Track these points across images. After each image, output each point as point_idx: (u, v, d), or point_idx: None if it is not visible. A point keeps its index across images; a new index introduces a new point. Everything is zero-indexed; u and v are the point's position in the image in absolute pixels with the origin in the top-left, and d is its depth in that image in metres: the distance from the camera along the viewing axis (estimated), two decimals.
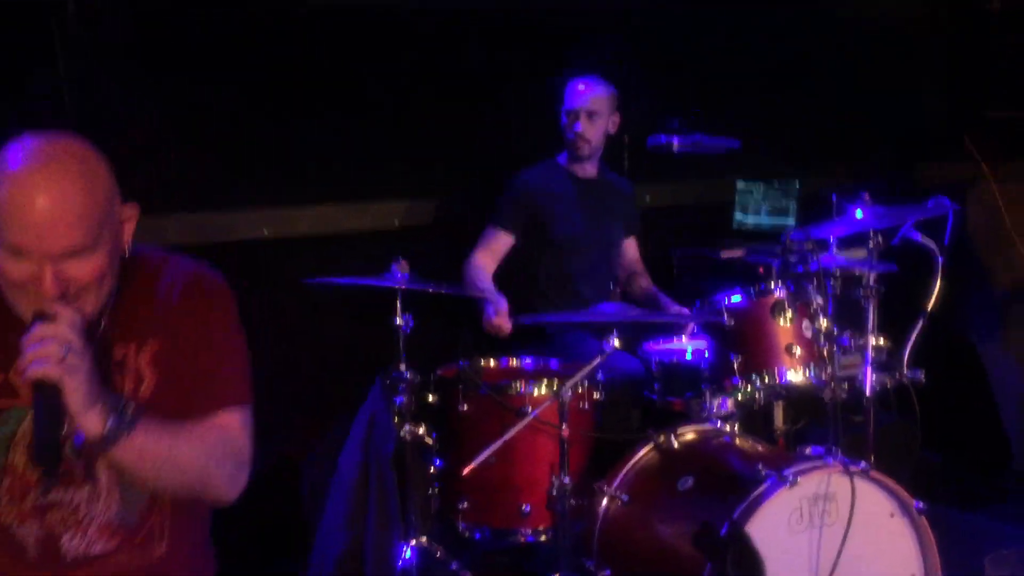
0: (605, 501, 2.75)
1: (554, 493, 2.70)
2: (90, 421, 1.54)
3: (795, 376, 2.81)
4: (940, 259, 3.04)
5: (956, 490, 3.84)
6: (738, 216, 4.30)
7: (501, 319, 3.23)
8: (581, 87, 3.59)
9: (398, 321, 2.84)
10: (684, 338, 3.26)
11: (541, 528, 2.79)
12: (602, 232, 3.67)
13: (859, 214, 2.94)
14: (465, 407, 2.82)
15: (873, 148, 4.71)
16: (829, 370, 2.80)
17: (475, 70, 3.88)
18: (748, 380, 2.82)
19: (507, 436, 2.63)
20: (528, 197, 3.61)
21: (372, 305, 2.94)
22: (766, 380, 2.82)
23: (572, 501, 2.70)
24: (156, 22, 3.25)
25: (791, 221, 4.08)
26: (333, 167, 3.65)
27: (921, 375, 3.03)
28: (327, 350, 3.58)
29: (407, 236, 3.76)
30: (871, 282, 2.99)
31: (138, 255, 1.78)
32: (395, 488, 2.88)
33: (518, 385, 2.80)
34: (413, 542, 2.86)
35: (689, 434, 2.85)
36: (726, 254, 3.99)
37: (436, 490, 2.89)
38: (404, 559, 2.83)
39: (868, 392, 2.98)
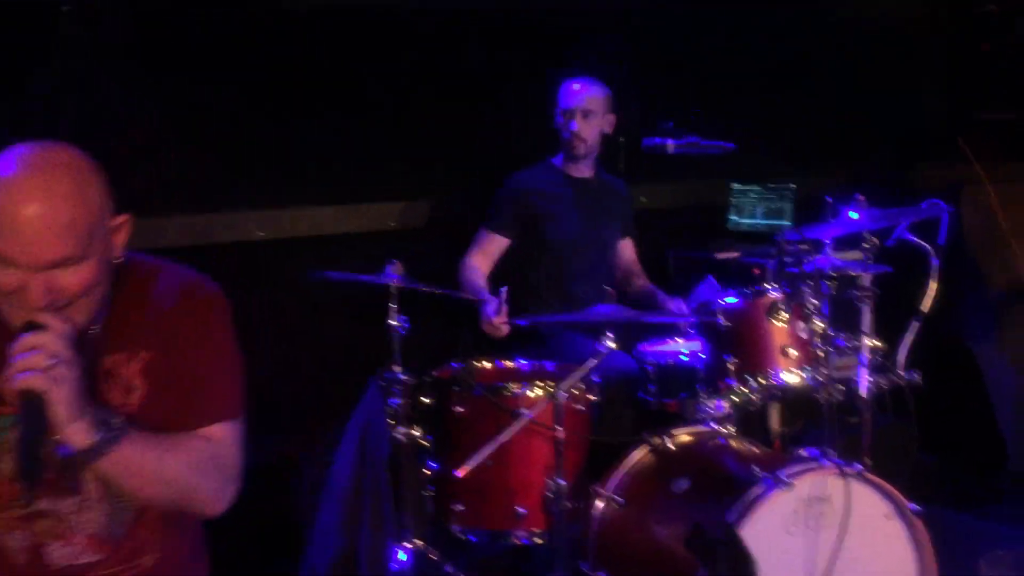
0: (600, 503, 2.75)
1: (549, 495, 2.70)
2: (76, 433, 1.52)
3: (790, 377, 2.81)
4: (935, 260, 3.04)
5: (952, 491, 3.84)
6: (733, 218, 4.30)
7: (500, 318, 3.22)
8: (576, 87, 3.59)
9: (393, 323, 2.83)
10: (679, 339, 3.25)
11: (536, 531, 2.78)
12: (598, 233, 3.67)
13: (854, 215, 2.94)
14: (460, 409, 2.81)
15: (868, 149, 4.71)
16: (824, 371, 2.80)
17: (472, 71, 3.88)
18: (743, 381, 2.82)
19: (502, 438, 2.62)
20: (523, 199, 3.60)
21: (367, 307, 2.94)
22: (761, 381, 2.82)
23: (567, 503, 2.70)
24: (155, 22, 3.25)
25: (787, 223, 4.08)
26: (329, 168, 3.65)
27: (917, 376, 3.03)
28: (322, 352, 3.57)
29: (403, 238, 3.76)
30: (866, 283, 2.99)
31: (132, 263, 1.76)
32: (389, 490, 2.88)
33: (513, 387, 2.79)
34: (407, 544, 2.85)
35: (684, 436, 2.85)
36: (721, 255, 3.98)
37: (431, 492, 2.88)
38: (398, 562, 2.83)
39: (863, 394, 2.98)
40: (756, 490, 2.40)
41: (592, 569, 2.70)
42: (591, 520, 2.73)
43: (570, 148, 3.61)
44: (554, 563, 2.69)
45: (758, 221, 4.21)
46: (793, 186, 4.13)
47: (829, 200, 3.07)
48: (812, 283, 2.86)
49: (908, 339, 3.05)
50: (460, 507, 2.80)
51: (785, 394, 2.95)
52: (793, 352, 2.81)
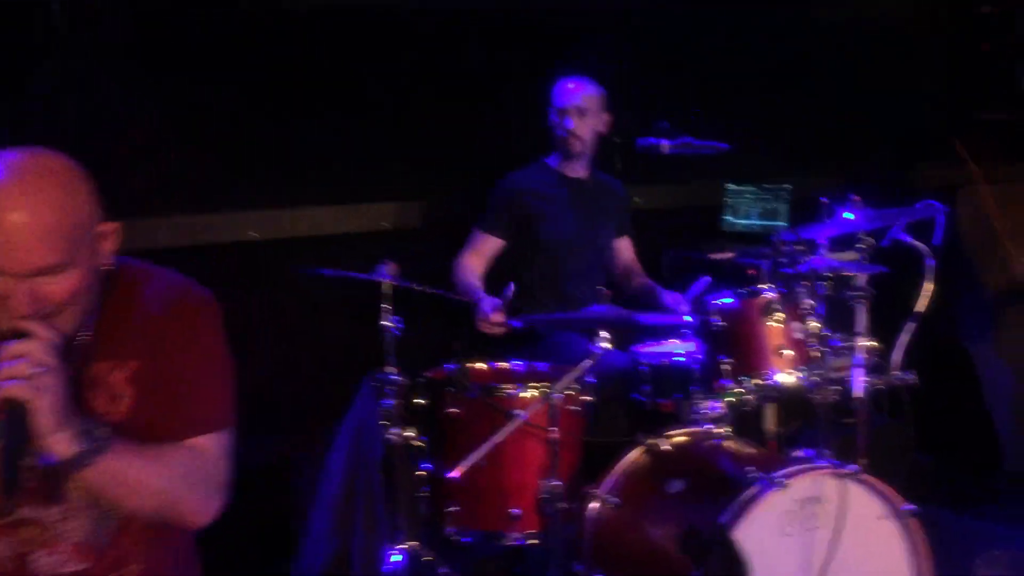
0: (595, 504, 2.74)
1: (544, 496, 2.69)
2: (59, 443, 1.50)
3: (785, 378, 2.80)
4: (931, 261, 3.04)
5: (948, 492, 3.84)
6: (728, 218, 4.29)
7: (497, 316, 3.21)
8: (571, 86, 3.59)
9: (386, 323, 2.82)
10: (675, 340, 3.24)
11: (531, 532, 2.77)
12: (592, 233, 3.66)
13: (849, 216, 2.94)
14: (454, 410, 2.80)
15: (864, 150, 4.71)
16: (819, 372, 2.79)
17: (469, 71, 3.88)
18: (738, 382, 2.81)
19: (496, 439, 2.61)
20: (516, 200, 3.59)
21: (361, 307, 2.93)
22: (756, 382, 2.81)
23: (562, 504, 2.69)
24: (153, 22, 3.25)
25: (782, 223, 4.08)
26: (325, 168, 3.65)
27: (912, 377, 3.02)
28: (317, 352, 3.57)
29: (399, 238, 3.75)
30: (861, 283, 2.98)
31: (122, 269, 1.73)
32: (383, 492, 2.87)
33: (507, 388, 2.78)
34: (401, 546, 2.84)
35: (679, 437, 2.85)
36: (717, 256, 3.98)
37: (424, 493, 2.87)
38: (392, 563, 2.82)
39: (858, 394, 2.97)
40: (751, 491, 2.40)
41: (587, 570, 2.69)
42: (586, 521, 2.73)
43: (566, 147, 3.60)
44: (549, 564, 2.68)
45: (753, 222, 4.20)
46: (788, 186, 4.13)
47: (825, 200, 3.06)
48: (807, 283, 2.86)
49: (904, 339, 3.05)
50: (454, 508, 2.79)
51: (780, 395, 2.94)
52: (788, 353, 2.80)
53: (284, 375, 3.45)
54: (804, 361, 2.80)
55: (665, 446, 2.79)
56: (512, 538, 2.78)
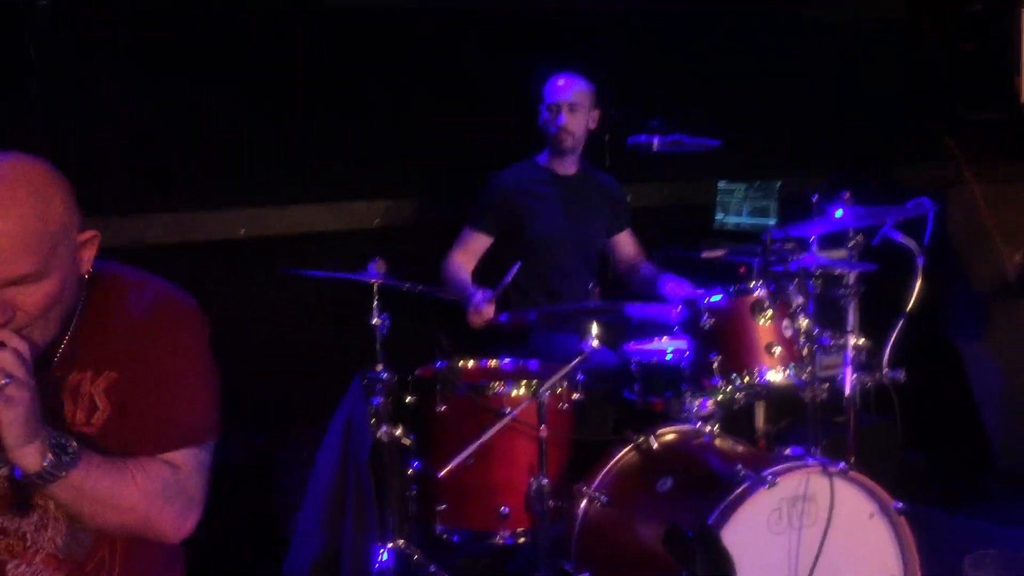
0: (584, 502, 2.73)
1: (533, 495, 2.68)
2: (26, 456, 1.47)
3: (775, 376, 2.79)
4: (920, 259, 3.04)
5: (937, 490, 3.84)
6: (719, 216, 4.29)
7: (489, 308, 3.19)
8: (561, 82, 3.58)
9: (375, 321, 2.81)
10: (665, 338, 3.24)
11: (520, 530, 2.76)
12: (582, 230, 3.65)
13: (839, 214, 2.94)
14: (443, 408, 2.79)
15: (854, 149, 4.72)
16: (809, 370, 2.79)
17: (461, 69, 3.88)
18: (728, 380, 2.80)
19: (485, 437, 2.60)
20: (505, 197, 3.59)
21: (350, 305, 2.92)
22: (746, 380, 2.80)
23: (551, 503, 2.68)
24: (143, 20, 3.24)
25: (772, 221, 4.08)
26: (313, 166, 3.64)
27: (901, 375, 3.02)
28: (305, 350, 3.55)
29: (387, 236, 3.74)
30: (851, 282, 2.99)
31: (105, 276, 1.70)
32: (372, 490, 2.85)
33: (496, 386, 2.77)
34: (390, 545, 2.83)
35: (669, 435, 2.84)
36: (707, 254, 3.98)
37: (413, 492, 2.87)
38: (381, 562, 2.81)
39: (848, 392, 2.98)
40: (740, 489, 2.39)
41: (576, 568, 2.68)
42: (575, 519, 2.72)
43: (557, 143, 3.59)
44: (538, 563, 2.67)
45: (744, 220, 4.21)
46: (779, 184, 4.13)
47: (815, 198, 3.06)
48: (797, 281, 2.85)
49: (893, 338, 3.05)
50: (443, 507, 2.79)
51: (770, 393, 2.94)
52: (778, 350, 2.79)
53: (272, 373, 3.43)
54: (794, 359, 2.80)
55: (654, 444, 2.78)
56: (501, 536, 2.77)
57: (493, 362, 3.10)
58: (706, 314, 2.83)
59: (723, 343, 2.83)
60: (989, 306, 4.34)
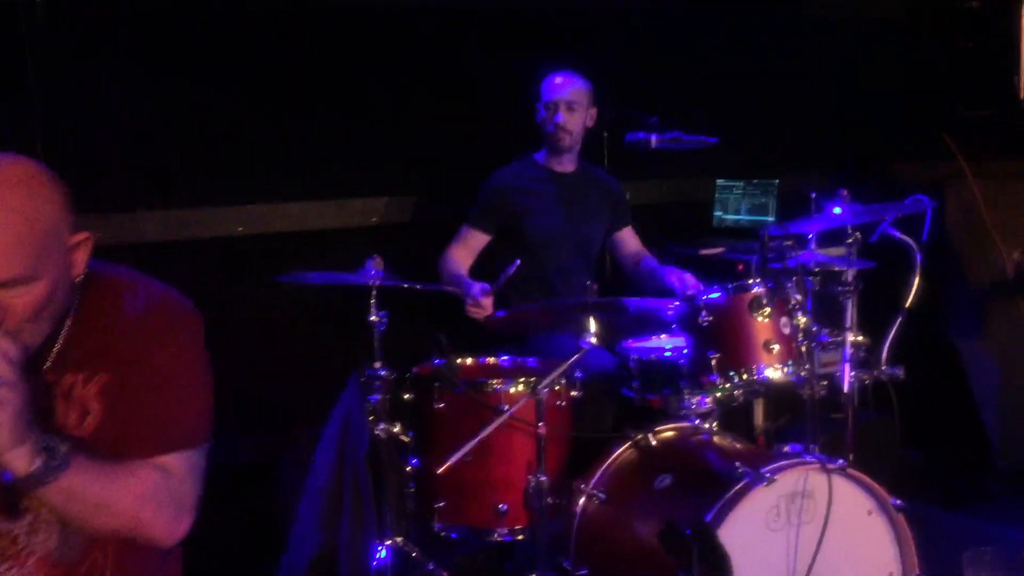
0: (582, 500, 2.73)
1: (531, 492, 2.68)
2: (16, 460, 1.46)
3: (773, 373, 2.79)
4: (919, 256, 3.04)
5: (936, 487, 3.84)
6: (718, 214, 4.29)
7: (487, 300, 3.19)
8: (559, 80, 3.58)
9: (373, 318, 2.81)
10: (663, 335, 3.24)
11: (518, 527, 2.75)
12: (580, 228, 3.65)
13: (838, 211, 2.93)
14: (441, 405, 2.78)
15: (853, 145, 4.72)
16: (808, 367, 2.78)
17: (460, 69, 3.87)
18: (726, 377, 2.80)
19: (483, 434, 2.60)
20: (503, 195, 3.59)
21: (348, 302, 2.91)
22: (744, 377, 2.79)
23: (549, 500, 2.68)
24: (139, 18, 3.24)
25: (771, 219, 4.08)
26: (312, 164, 3.64)
27: (900, 372, 3.02)
28: (303, 347, 3.55)
29: (386, 233, 3.74)
30: (850, 279, 2.98)
31: (100, 277, 1.69)
32: (370, 487, 2.85)
33: (495, 383, 2.76)
34: (388, 542, 2.83)
35: (667, 432, 2.84)
36: (706, 251, 3.98)
37: (411, 489, 2.86)
38: (379, 560, 2.80)
39: (847, 389, 2.97)
40: (738, 486, 2.39)
41: (574, 565, 2.68)
42: (573, 516, 2.72)
43: (555, 141, 3.59)
44: (536, 560, 2.67)
45: (742, 217, 4.20)
46: (777, 181, 4.13)
47: (813, 195, 3.06)
48: (796, 278, 2.85)
49: (892, 335, 3.05)
50: (441, 504, 2.78)
51: (768, 390, 2.93)
52: (776, 347, 2.79)
53: (272, 371, 3.44)
54: (792, 356, 2.80)
55: (653, 441, 2.78)
56: (499, 533, 2.76)
57: (491, 359, 3.09)
58: (704, 311, 2.83)
59: (721, 340, 2.82)
60: (988, 304, 4.34)
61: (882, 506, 2.53)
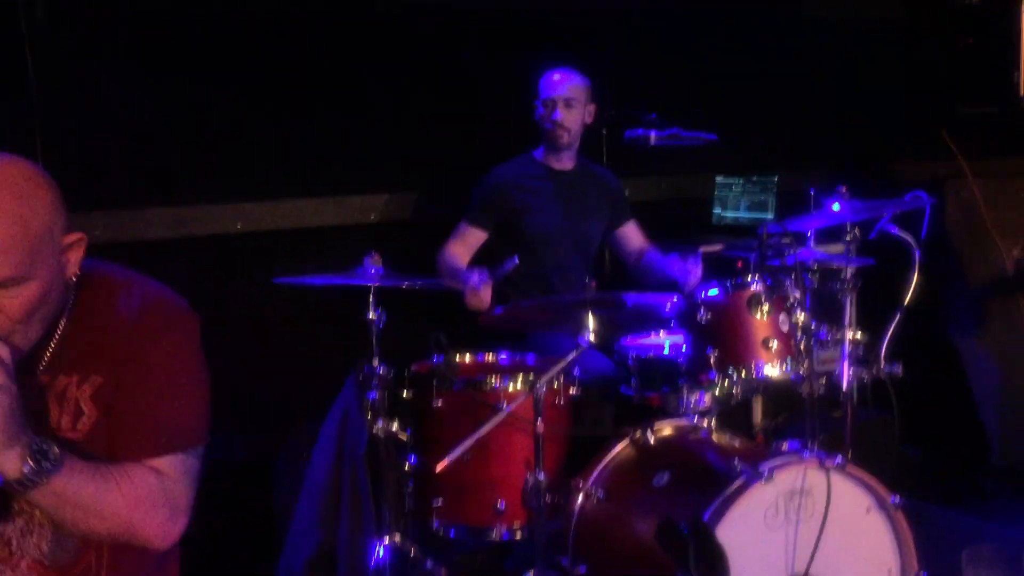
0: (581, 497, 2.72)
1: (529, 490, 2.67)
2: (6, 462, 1.45)
3: (772, 370, 2.78)
4: (918, 253, 3.04)
5: (934, 485, 3.84)
6: (717, 211, 4.29)
7: (487, 289, 3.17)
8: (557, 77, 3.57)
9: (371, 316, 2.80)
10: (662, 332, 3.23)
11: (516, 525, 2.75)
12: (578, 225, 3.65)
13: (836, 208, 2.93)
14: (439, 403, 2.77)
15: (852, 143, 4.71)
16: (806, 364, 2.78)
17: (459, 68, 3.87)
18: (725, 374, 2.79)
19: (481, 432, 2.59)
20: (501, 193, 3.58)
21: (346, 300, 2.91)
22: (743, 374, 2.79)
23: (547, 498, 2.67)
24: (138, 15, 3.24)
25: (770, 216, 4.08)
26: (310, 161, 3.64)
27: (899, 369, 3.02)
28: (301, 344, 3.55)
29: (384, 231, 3.74)
30: (848, 276, 2.98)
31: (94, 277, 1.67)
32: (368, 486, 2.84)
33: (493, 380, 2.76)
34: (386, 540, 2.82)
35: (666, 430, 2.83)
36: (704, 248, 3.97)
37: (410, 487, 2.85)
38: (377, 558, 2.79)
39: (845, 387, 2.97)
40: (736, 483, 2.38)
41: (572, 563, 2.67)
42: (571, 514, 2.71)
43: (553, 138, 3.58)
44: (534, 558, 2.66)
45: (741, 214, 4.20)
46: (776, 178, 4.13)
47: (812, 192, 3.06)
48: (794, 276, 2.84)
49: (890, 332, 3.05)
50: (440, 502, 2.78)
51: (767, 387, 2.94)
52: (774, 345, 2.78)
53: (268, 368, 3.43)
54: (791, 354, 2.79)
55: (651, 439, 2.77)
56: (498, 531, 2.76)
57: (490, 357, 3.09)
58: (703, 308, 2.82)
59: (720, 338, 2.82)
60: (986, 300, 4.34)
61: (881, 503, 2.52)
